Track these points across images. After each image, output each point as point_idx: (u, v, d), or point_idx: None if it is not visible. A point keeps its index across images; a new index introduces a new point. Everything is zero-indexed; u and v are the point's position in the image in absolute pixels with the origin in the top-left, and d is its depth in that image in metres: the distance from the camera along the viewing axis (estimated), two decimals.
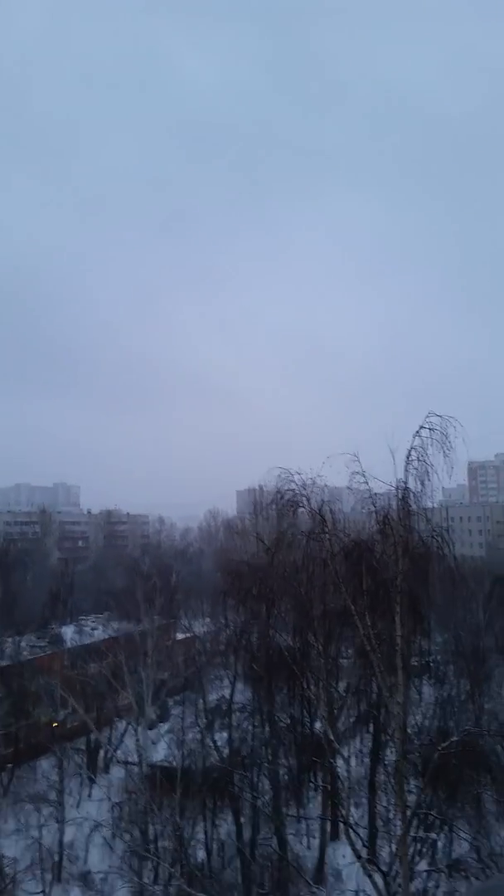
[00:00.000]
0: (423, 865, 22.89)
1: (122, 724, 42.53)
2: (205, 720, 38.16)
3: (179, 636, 55.23)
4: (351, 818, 21.73)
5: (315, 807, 32.80)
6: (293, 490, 23.11)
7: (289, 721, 30.44)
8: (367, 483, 20.79)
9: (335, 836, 31.77)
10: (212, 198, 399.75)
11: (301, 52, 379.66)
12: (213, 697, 41.94)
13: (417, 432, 20.05)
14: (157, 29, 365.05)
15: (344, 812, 21.20)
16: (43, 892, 26.53)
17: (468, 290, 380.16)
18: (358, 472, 20.57)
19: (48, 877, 27.64)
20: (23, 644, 52.20)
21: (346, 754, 23.46)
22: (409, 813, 19.49)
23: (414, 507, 20.80)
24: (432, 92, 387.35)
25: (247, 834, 30.75)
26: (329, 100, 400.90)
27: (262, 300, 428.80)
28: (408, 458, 20.08)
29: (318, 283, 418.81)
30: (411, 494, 20.50)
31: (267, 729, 31.19)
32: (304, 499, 23.08)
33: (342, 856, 28.74)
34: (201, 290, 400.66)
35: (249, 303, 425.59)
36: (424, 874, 22.56)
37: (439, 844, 25.67)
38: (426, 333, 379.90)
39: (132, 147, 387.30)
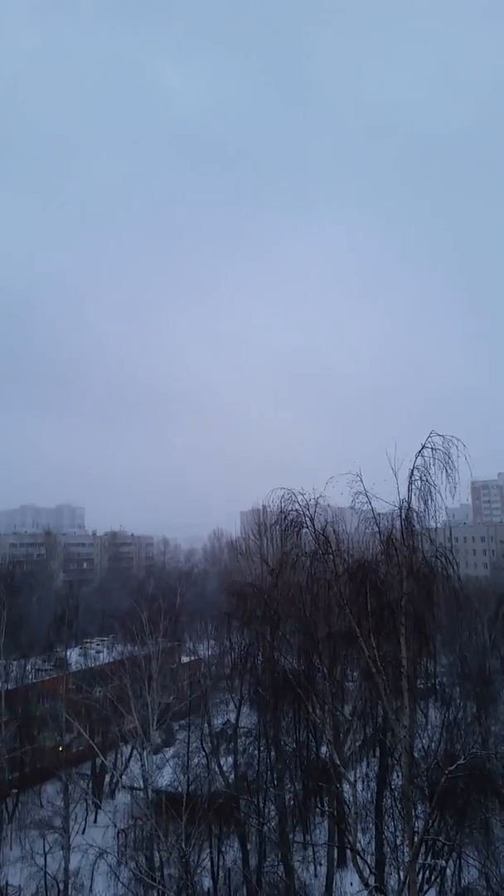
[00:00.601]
0: (431, 894, 22.55)
1: (127, 749, 42.20)
2: (210, 745, 37.89)
3: (184, 659, 54.98)
4: (358, 844, 21.45)
5: (322, 832, 32.40)
6: (296, 511, 23.08)
7: (294, 745, 30.14)
8: (370, 503, 20.81)
9: (342, 863, 31.37)
10: (205, 215, 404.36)
11: (292, 70, 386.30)
12: (218, 721, 41.65)
13: (420, 452, 20.08)
14: (149, 48, 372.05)
15: (351, 838, 20.95)
16: None
17: (469, 310, 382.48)
18: (361, 493, 20.60)
19: None
20: (28, 667, 52.03)
21: (352, 779, 23.25)
22: (416, 839, 19.24)
23: (417, 527, 20.77)
24: (424, 108, 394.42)
25: (253, 861, 30.39)
26: (321, 118, 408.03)
27: (258, 318, 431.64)
28: (410, 477, 20.10)
29: (314, 300, 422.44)
30: (414, 514, 20.49)
31: (272, 753, 30.94)
32: (307, 519, 23.04)
33: (350, 883, 28.35)
34: (197, 309, 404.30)
35: (246, 321, 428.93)
36: None
37: (448, 872, 25.30)
38: (428, 353, 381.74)
39: (125, 167, 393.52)
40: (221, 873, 30.78)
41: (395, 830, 25.78)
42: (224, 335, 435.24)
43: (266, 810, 30.74)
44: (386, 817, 28.02)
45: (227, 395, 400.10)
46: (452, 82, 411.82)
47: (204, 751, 36.72)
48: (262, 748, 33.54)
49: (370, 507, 20.93)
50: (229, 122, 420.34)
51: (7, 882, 29.71)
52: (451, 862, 25.39)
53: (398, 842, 24.59)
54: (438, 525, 29.06)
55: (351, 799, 22.32)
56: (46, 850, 29.32)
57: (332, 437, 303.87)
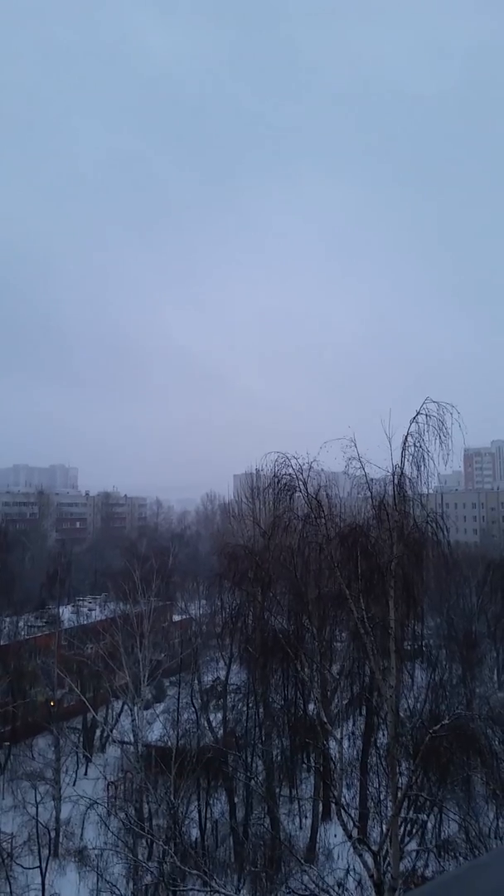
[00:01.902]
0: (412, 845, 23.22)
1: (118, 704, 42.92)
2: (200, 701, 38.58)
3: (176, 618, 55.62)
4: (343, 799, 22.02)
5: (307, 787, 33.22)
6: (290, 475, 23.21)
7: (282, 703, 30.76)
8: (363, 468, 20.92)
9: (327, 817, 32.22)
10: (183, 178, 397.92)
11: (272, 33, 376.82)
12: (208, 679, 42.34)
13: (414, 418, 20.14)
14: (124, 8, 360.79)
15: (336, 793, 21.49)
16: (39, 867, 26.91)
17: (459, 278, 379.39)
18: (354, 458, 20.70)
19: (45, 852, 28.02)
20: (20, 624, 52.55)
21: (338, 736, 23.74)
22: (400, 794, 19.76)
23: (409, 492, 20.93)
24: (406, 72, 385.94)
25: (240, 813, 31.19)
26: (301, 81, 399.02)
27: (242, 283, 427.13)
28: (404, 443, 20.18)
29: (300, 267, 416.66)
30: (407, 480, 20.63)
31: (261, 710, 31.54)
32: (300, 483, 23.17)
33: (333, 835, 29.17)
34: (177, 270, 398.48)
35: (231, 286, 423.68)
36: (414, 854, 22.92)
37: (429, 825, 26.02)
38: (417, 321, 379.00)
39: (97, 126, 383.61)
40: (209, 825, 31.60)
41: (379, 786, 26.45)
42: (210, 301, 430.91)
43: (253, 765, 31.46)
44: (370, 773, 28.76)
45: (220, 359, 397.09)
46: (438, 41, 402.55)
47: (194, 707, 37.40)
48: (250, 705, 34.18)
49: (363, 473, 21.06)
50: (209, 85, 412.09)
51: (0, 829, 30.47)
52: (432, 816, 26.12)
53: (382, 797, 25.25)
54: (430, 491, 29.35)
55: (337, 755, 22.84)
56: (38, 800, 29.98)
57: (323, 404, 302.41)
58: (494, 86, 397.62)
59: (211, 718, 36.89)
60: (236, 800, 31.47)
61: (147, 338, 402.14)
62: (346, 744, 28.21)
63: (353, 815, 22.82)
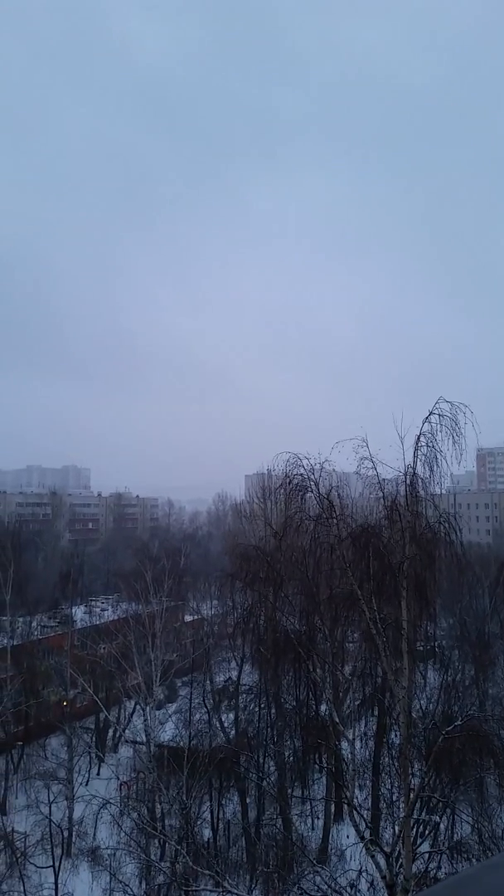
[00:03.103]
0: (425, 847, 23.10)
1: (130, 704, 43.04)
2: (212, 701, 38.61)
3: (188, 618, 55.68)
4: (355, 800, 21.98)
5: (319, 788, 33.17)
6: (301, 475, 23.17)
7: (294, 703, 30.73)
8: (375, 468, 20.85)
9: (339, 818, 32.16)
10: (179, 179, 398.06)
11: (263, 24, 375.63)
12: (220, 679, 42.39)
13: (427, 418, 20.04)
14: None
15: (348, 794, 21.45)
16: (52, 866, 27.02)
17: (464, 275, 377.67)
18: (366, 458, 20.61)
19: (58, 851, 28.14)
20: (34, 624, 52.81)
21: (350, 737, 23.72)
22: (412, 795, 19.68)
23: (422, 492, 20.83)
24: (399, 57, 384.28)
25: (252, 814, 31.19)
26: (291, 71, 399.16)
27: (247, 283, 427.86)
28: (417, 443, 20.10)
29: (300, 266, 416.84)
30: (419, 480, 20.54)
31: (273, 711, 31.54)
32: (312, 484, 23.13)
33: (346, 836, 29.10)
34: (181, 273, 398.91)
35: (235, 284, 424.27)
36: (426, 855, 22.79)
37: (442, 827, 25.91)
38: (426, 319, 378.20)
39: (87, 116, 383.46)
40: (221, 825, 31.63)
41: (392, 787, 26.36)
42: (212, 300, 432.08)
43: (265, 766, 31.46)
44: (383, 774, 28.65)
45: (228, 360, 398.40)
46: (428, 31, 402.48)
47: (206, 707, 37.42)
48: (262, 705, 34.17)
49: (375, 473, 20.99)
50: (199, 74, 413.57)
51: (14, 828, 30.61)
52: (444, 818, 26.02)
53: (394, 798, 25.16)
54: (443, 491, 29.19)
55: (349, 756, 22.81)
56: (51, 799, 30.11)
57: (330, 402, 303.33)
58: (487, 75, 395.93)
59: (223, 719, 36.93)
60: (248, 800, 31.47)
61: (153, 338, 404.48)
62: (358, 745, 28.17)
63: (365, 816, 22.77)
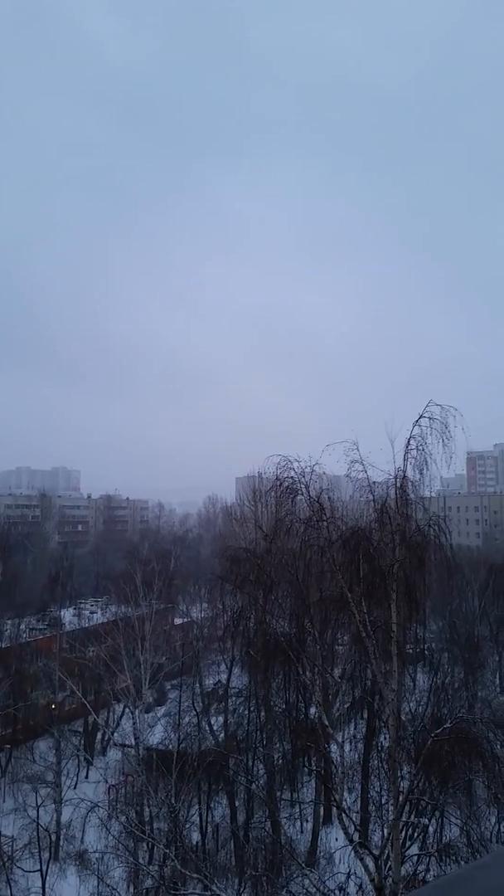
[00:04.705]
0: (413, 849, 23.11)
1: (119, 707, 42.89)
2: (201, 704, 38.52)
3: (177, 621, 55.59)
4: (344, 803, 21.95)
5: (308, 791, 33.15)
6: (292, 478, 23.22)
7: (284, 706, 30.72)
8: (365, 471, 20.92)
9: (328, 820, 32.14)
10: (143, 171, 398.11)
11: (233, 21, 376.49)
12: (209, 682, 42.33)
13: (417, 421, 20.13)
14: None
15: (337, 797, 21.43)
16: (40, 870, 26.86)
17: (457, 277, 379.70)
18: (357, 461, 20.69)
19: (45, 855, 27.98)
20: (22, 626, 52.61)
21: (340, 740, 23.73)
22: (401, 798, 19.71)
23: (412, 495, 20.92)
24: (370, 59, 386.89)
25: (241, 817, 31.13)
26: (263, 71, 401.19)
27: (230, 284, 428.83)
28: (407, 446, 20.18)
29: (286, 269, 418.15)
30: (409, 483, 20.62)
31: (262, 714, 31.50)
32: (302, 486, 23.18)
33: (335, 839, 29.09)
34: (161, 276, 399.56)
35: (219, 287, 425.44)
36: (415, 858, 22.81)
37: (430, 829, 25.94)
38: (416, 321, 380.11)
39: (55, 117, 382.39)
40: (210, 828, 31.54)
41: (381, 790, 26.38)
42: (200, 302, 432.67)
43: (255, 769, 31.40)
44: (372, 777, 28.69)
45: (221, 362, 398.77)
46: (400, 32, 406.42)
47: (195, 710, 37.35)
48: (252, 708, 34.14)
49: (365, 476, 21.06)
50: (170, 74, 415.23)
51: (0, 832, 30.40)
52: (433, 820, 26.05)
53: (383, 801, 25.17)
54: (433, 494, 29.33)
55: (338, 759, 22.82)
56: (39, 803, 29.93)
57: (323, 406, 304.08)
58: (461, 73, 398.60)
59: (212, 722, 36.87)
60: (237, 803, 31.40)
61: (140, 341, 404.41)
62: (347, 747, 28.20)
63: (354, 818, 22.75)
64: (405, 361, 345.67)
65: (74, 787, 37.37)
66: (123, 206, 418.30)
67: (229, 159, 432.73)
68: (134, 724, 32.77)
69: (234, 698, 36.65)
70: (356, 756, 31.50)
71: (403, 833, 21.78)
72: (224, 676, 39.10)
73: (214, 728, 36.27)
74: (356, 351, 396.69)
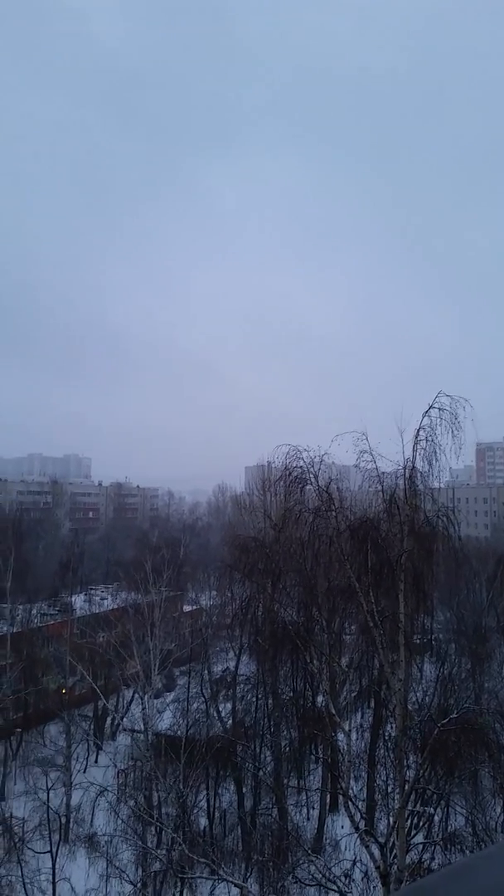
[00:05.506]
0: (419, 838, 23.30)
1: (128, 693, 43.26)
2: (209, 691, 38.76)
3: (186, 608, 55.90)
4: (350, 791, 22.15)
5: (315, 779, 33.39)
6: (301, 467, 23.26)
7: (291, 694, 30.91)
8: (374, 462, 20.93)
9: (334, 808, 32.40)
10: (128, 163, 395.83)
11: (217, 11, 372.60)
12: (218, 669, 42.57)
13: (427, 412, 20.11)
14: None
15: (343, 784, 21.63)
16: (50, 851, 27.24)
17: (455, 269, 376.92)
18: (366, 451, 20.71)
19: (55, 837, 28.35)
20: (34, 612, 52.96)
21: (346, 728, 23.81)
22: (407, 787, 19.84)
23: (421, 486, 20.91)
24: (354, 46, 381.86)
25: (248, 803, 31.41)
26: (253, 65, 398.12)
27: (236, 277, 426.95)
28: (416, 437, 20.17)
29: (280, 263, 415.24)
30: (418, 474, 20.62)
31: (270, 701, 31.72)
32: (311, 476, 23.23)
33: (341, 827, 29.35)
34: (163, 268, 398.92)
35: (221, 281, 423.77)
36: (420, 846, 22.99)
37: (436, 818, 26.12)
38: (419, 312, 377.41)
39: (41, 104, 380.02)
40: (217, 814, 31.86)
41: (387, 779, 26.55)
42: (202, 294, 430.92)
43: (262, 756, 31.66)
44: (378, 766, 28.84)
45: (231, 353, 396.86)
46: (383, 19, 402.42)
47: (203, 696, 37.60)
48: (259, 696, 34.35)
49: (374, 466, 21.06)
50: (153, 63, 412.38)
51: (12, 814, 30.85)
52: (439, 809, 26.20)
53: (389, 789, 25.35)
54: (442, 485, 29.25)
55: (345, 747, 22.94)
56: (49, 786, 30.32)
57: (332, 397, 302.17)
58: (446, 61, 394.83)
59: (220, 708, 37.10)
60: (244, 790, 31.68)
61: (144, 331, 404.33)
62: (354, 736, 28.29)
63: (360, 806, 22.98)
64: (400, 354, 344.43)
65: (84, 771, 37.81)
66: (115, 198, 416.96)
67: (220, 152, 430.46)
68: (143, 709, 33.08)
69: (242, 685, 36.85)
70: (363, 745, 31.67)
71: (409, 822, 21.95)
72: (232, 664, 39.32)
73: (222, 715, 36.52)
74: (365, 343, 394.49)
